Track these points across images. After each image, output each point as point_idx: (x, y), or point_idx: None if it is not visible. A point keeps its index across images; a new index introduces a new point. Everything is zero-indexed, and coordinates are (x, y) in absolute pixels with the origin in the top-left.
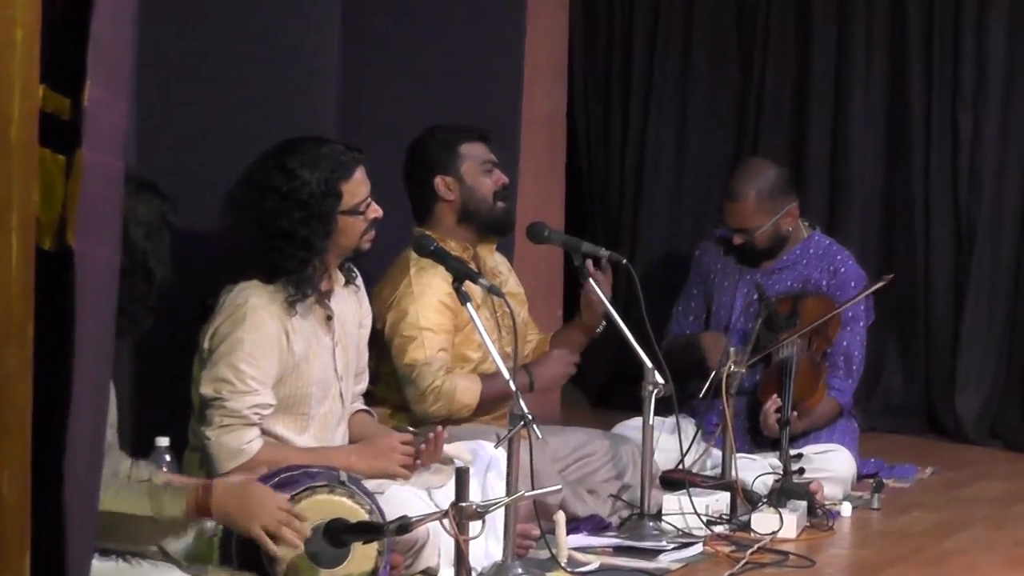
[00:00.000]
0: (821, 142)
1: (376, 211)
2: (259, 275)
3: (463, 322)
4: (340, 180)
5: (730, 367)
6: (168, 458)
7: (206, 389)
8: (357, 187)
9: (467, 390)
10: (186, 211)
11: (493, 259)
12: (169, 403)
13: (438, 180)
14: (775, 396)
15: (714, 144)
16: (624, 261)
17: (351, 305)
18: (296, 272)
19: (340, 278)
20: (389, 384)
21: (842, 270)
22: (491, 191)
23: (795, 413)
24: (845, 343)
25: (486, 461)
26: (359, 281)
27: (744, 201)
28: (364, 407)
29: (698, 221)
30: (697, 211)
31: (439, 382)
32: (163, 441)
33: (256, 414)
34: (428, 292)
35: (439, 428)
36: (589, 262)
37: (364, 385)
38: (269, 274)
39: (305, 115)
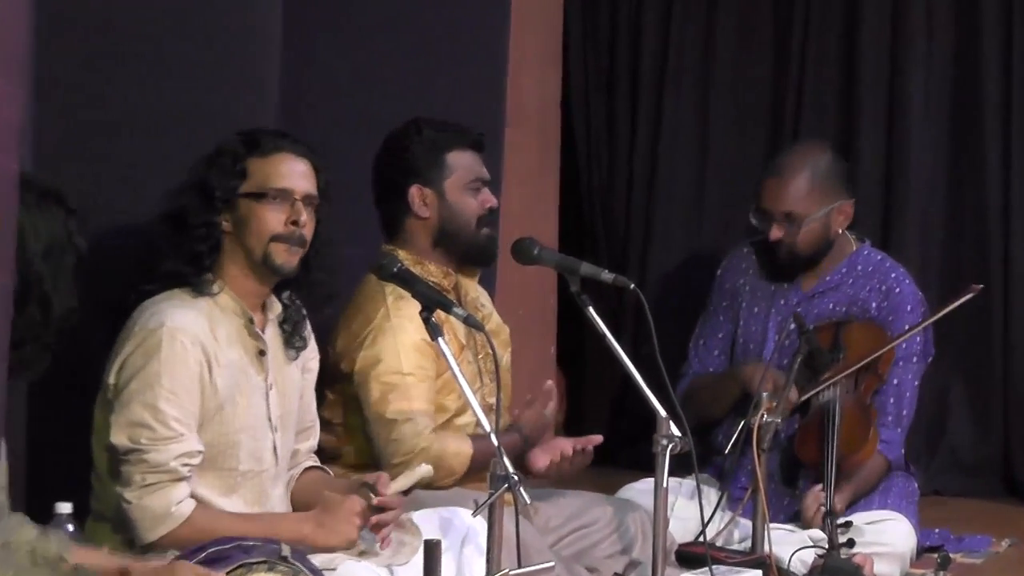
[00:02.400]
0: (873, 139)
1: (299, 212)
2: (163, 283)
3: (442, 366)
4: (249, 156)
5: (762, 416)
6: (71, 528)
7: (119, 438)
8: (271, 168)
9: (457, 455)
10: (97, 225)
11: (476, 290)
12: (72, 460)
13: (413, 190)
14: (818, 492)
15: (743, 143)
16: (632, 286)
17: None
18: (188, 265)
19: (276, 306)
20: (343, 437)
21: (896, 290)
22: (475, 214)
23: (836, 502)
24: (896, 381)
25: (462, 532)
26: (303, 315)
27: (795, 178)
28: (317, 464)
29: (722, 237)
30: (721, 225)
31: (425, 443)
32: (64, 507)
33: (185, 465)
34: (409, 328)
35: (383, 478)
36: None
37: (314, 441)
38: (171, 276)
39: (239, 109)
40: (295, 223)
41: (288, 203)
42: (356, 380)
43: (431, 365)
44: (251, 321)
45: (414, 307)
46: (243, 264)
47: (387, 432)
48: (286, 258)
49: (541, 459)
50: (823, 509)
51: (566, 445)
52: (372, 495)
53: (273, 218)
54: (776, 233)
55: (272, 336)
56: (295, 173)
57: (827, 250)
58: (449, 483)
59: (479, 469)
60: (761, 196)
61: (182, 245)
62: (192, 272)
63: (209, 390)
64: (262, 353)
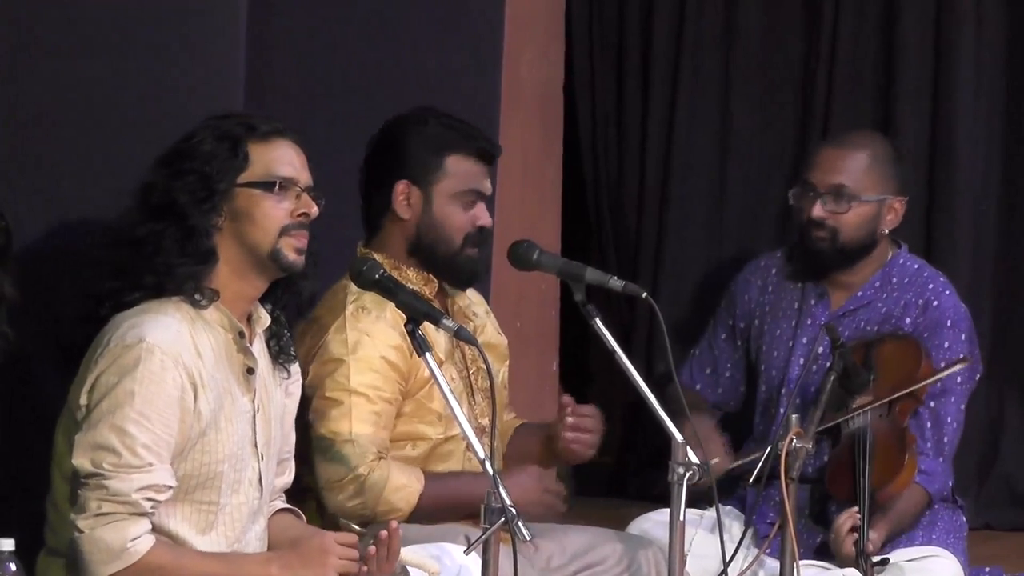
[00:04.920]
0: (916, 126)
1: (308, 205)
2: (146, 292)
3: (417, 385)
4: (250, 140)
5: (792, 441)
6: (13, 567)
7: (81, 460)
8: (275, 155)
9: (401, 489)
10: (49, 227)
11: (465, 297)
12: (17, 492)
13: (399, 186)
14: (854, 511)
15: (769, 131)
16: (644, 295)
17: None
18: (175, 271)
19: (263, 318)
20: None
21: (935, 303)
22: (461, 231)
23: (871, 542)
24: (932, 403)
25: (453, 572)
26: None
27: (856, 152)
28: (287, 506)
29: (746, 239)
30: (745, 224)
31: (363, 470)
32: (7, 544)
33: (148, 500)
34: (366, 343)
35: (393, 524)
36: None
37: (289, 477)
38: (155, 286)
39: (200, 89)
40: (304, 215)
41: (293, 193)
42: (306, 395)
43: (391, 387)
44: (240, 335)
45: (376, 320)
46: (239, 263)
47: (323, 453)
48: (295, 256)
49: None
50: (856, 535)
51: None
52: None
53: (281, 210)
54: (819, 211)
55: (259, 352)
56: (297, 162)
57: (870, 249)
58: (394, 519)
59: (434, 514)
60: (810, 166)
61: (175, 246)
62: (189, 277)
63: (191, 417)
64: (250, 371)
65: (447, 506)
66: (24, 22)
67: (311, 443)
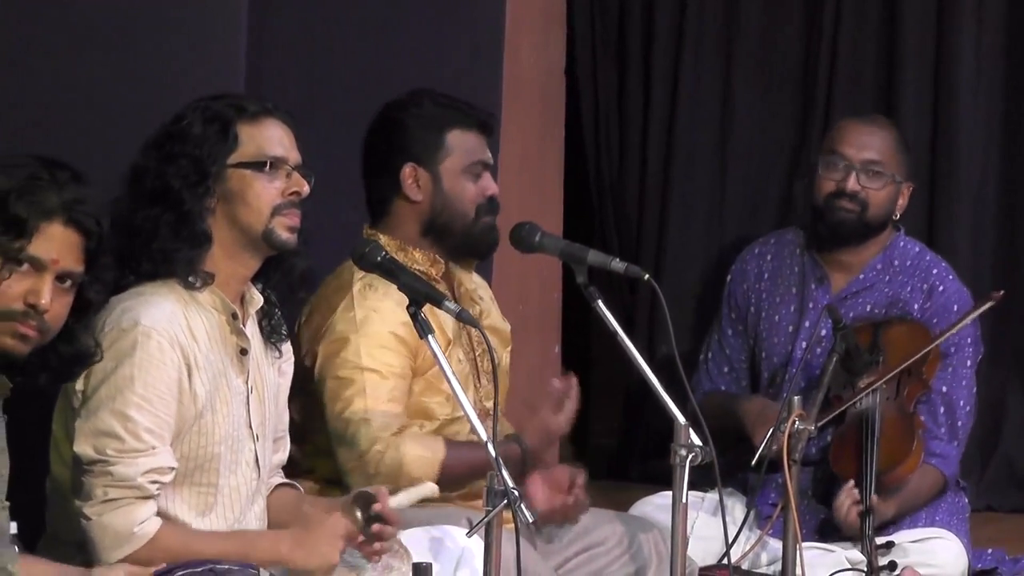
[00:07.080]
0: (916, 118)
1: (299, 183)
2: (140, 277)
3: (425, 364)
4: (239, 121)
5: (794, 423)
6: (15, 550)
7: (83, 447)
8: (265, 135)
9: (419, 460)
10: None
11: (471, 280)
12: (21, 475)
13: (407, 169)
14: (852, 483)
15: (769, 121)
16: (646, 276)
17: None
18: (171, 256)
19: (256, 298)
20: (318, 447)
21: (940, 288)
22: (474, 202)
23: (876, 498)
24: (944, 388)
25: (456, 555)
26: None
27: (885, 131)
28: (287, 480)
29: (747, 225)
30: (746, 212)
31: (381, 446)
32: (10, 528)
33: (153, 482)
34: (375, 319)
35: (383, 491)
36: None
37: (285, 455)
38: (151, 272)
39: (201, 88)
40: (295, 194)
41: (284, 172)
42: (317, 376)
43: (402, 362)
44: (234, 316)
45: (384, 297)
46: (232, 244)
47: (340, 433)
48: (288, 235)
49: (540, 493)
50: (857, 508)
51: (564, 477)
52: (363, 509)
53: (272, 189)
54: (853, 183)
55: (252, 333)
56: (287, 140)
57: (881, 230)
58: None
59: (461, 479)
60: (840, 139)
61: (170, 232)
62: (185, 261)
63: (188, 397)
64: (243, 352)
65: (470, 473)
66: (24, 22)
67: (328, 426)
